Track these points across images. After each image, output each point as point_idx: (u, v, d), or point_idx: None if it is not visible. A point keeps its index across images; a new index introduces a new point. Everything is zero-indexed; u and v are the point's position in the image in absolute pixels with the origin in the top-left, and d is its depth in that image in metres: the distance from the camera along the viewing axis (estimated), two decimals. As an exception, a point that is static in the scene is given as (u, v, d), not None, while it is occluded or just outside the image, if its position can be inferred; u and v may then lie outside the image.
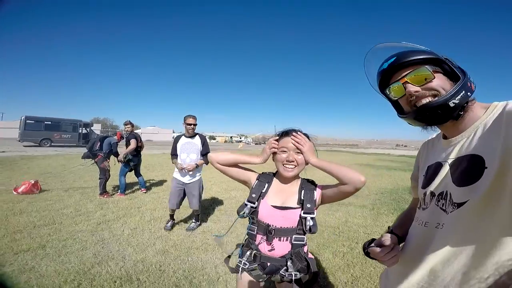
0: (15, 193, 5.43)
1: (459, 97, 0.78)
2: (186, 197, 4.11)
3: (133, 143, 5.87)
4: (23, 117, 20.89)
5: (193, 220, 4.17)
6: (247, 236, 1.37)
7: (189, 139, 3.99)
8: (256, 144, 60.84)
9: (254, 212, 1.31)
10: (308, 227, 1.25)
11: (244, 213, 1.30)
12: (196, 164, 3.94)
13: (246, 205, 1.32)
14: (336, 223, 4.46)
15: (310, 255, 1.37)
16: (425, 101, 0.82)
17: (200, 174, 4.15)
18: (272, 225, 1.27)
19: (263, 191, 1.34)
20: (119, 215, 4.52)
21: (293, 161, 1.30)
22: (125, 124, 6.10)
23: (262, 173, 1.44)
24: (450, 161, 0.85)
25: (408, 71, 0.85)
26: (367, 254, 1.03)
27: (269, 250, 1.28)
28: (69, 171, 8.39)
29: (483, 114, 0.81)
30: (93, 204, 5.10)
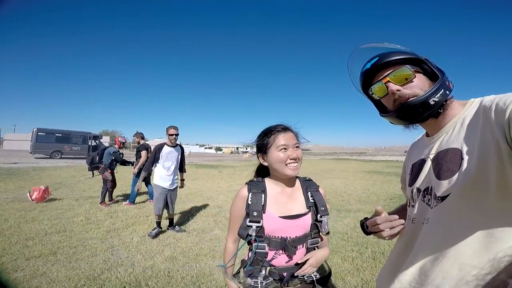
0: (30, 199, 5.55)
1: (438, 95, 0.81)
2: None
3: (143, 154, 5.91)
4: (35, 129, 21.43)
5: (174, 226, 4.40)
6: (253, 255, 1.21)
7: (172, 148, 4.22)
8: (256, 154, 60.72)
9: (260, 230, 1.16)
10: (327, 228, 1.20)
11: (251, 236, 1.15)
12: (183, 179, 4.56)
13: (250, 226, 1.15)
14: (344, 229, 4.42)
15: None
16: (406, 99, 0.85)
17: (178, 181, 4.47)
18: (288, 238, 1.17)
19: (263, 203, 1.18)
20: (128, 223, 4.57)
21: (296, 158, 1.17)
22: (135, 136, 6.17)
23: (250, 181, 1.27)
24: (431, 156, 0.87)
25: (390, 71, 0.87)
26: (365, 229, 1.04)
27: (286, 262, 1.19)
28: (77, 180, 8.52)
29: (461, 111, 0.84)
30: (102, 213, 5.17)
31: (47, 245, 3.38)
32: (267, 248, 1.17)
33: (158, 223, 4.19)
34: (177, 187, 4.40)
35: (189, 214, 5.32)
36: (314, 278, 1.23)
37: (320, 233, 1.22)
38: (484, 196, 0.70)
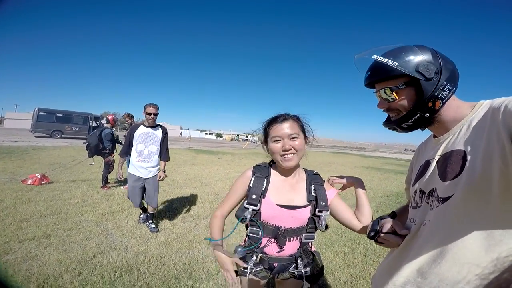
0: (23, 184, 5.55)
1: (412, 119, 0.86)
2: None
3: None
4: (36, 109, 21.39)
5: (150, 221, 3.69)
6: (247, 239, 1.26)
7: (150, 129, 3.61)
8: (262, 143, 60.93)
9: (256, 215, 1.18)
10: (324, 224, 1.19)
11: (246, 218, 1.18)
12: (164, 170, 3.72)
13: (247, 208, 1.18)
14: (338, 223, 4.39)
15: (314, 248, 1.34)
16: (390, 116, 0.93)
17: (158, 168, 3.73)
18: (282, 227, 1.18)
19: (263, 188, 1.19)
20: (124, 207, 4.57)
21: (290, 149, 1.16)
22: (124, 117, 5.99)
23: (257, 165, 1.29)
24: (436, 158, 0.88)
25: (379, 88, 0.90)
26: (372, 237, 1.01)
27: (277, 252, 1.20)
28: (76, 161, 8.49)
29: (469, 113, 0.83)
30: (99, 196, 5.17)
31: (41, 227, 3.38)
32: (260, 234, 1.18)
33: (143, 209, 3.84)
34: (156, 176, 3.66)
35: (185, 200, 5.33)
36: (304, 274, 1.22)
37: (317, 228, 1.21)
38: (487, 198, 0.70)
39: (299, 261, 1.22)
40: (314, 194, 1.22)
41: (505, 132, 0.67)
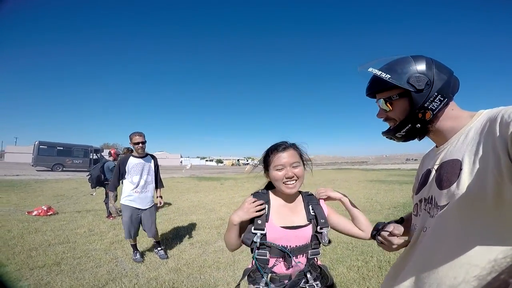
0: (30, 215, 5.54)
1: (404, 130, 0.89)
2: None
3: None
4: (36, 142, 21.57)
5: (159, 248, 3.67)
6: (255, 262, 1.28)
7: (141, 159, 3.52)
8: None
9: (262, 238, 1.24)
10: (327, 239, 1.26)
11: (255, 243, 1.22)
12: (160, 196, 3.79)
13: (255, 234, 1.22)
14: (349, 238, 4.35)
15: (320, 262, 1.38)
16: (388, 126, 0.97)
17: (153, 199, 3.69)
18: (288, 247, 1.23)
19: (266, 213, 1.26)
20: (131, 235, 4.53)
21: (293, 176, 1.23)
22: (124, 152, 5.78)
23: (255, 193, 1.35)
24: (436, 167, 0.89)
25: (377, 99, 0.95)
26: (373, 236, 1.08)
27: (286, 269, 1.25)
28: (79, 192, 8.50)
29: (468, 122, 0.84)
30: (105, 225, 5.16)
31: (51, 255, 3.37)
32: (268, 255, 1.22)
33: (134, 246, 3.58)
34: (153, 206, 3.62)
35: (191, 226, 5.29)
36: (316, 287, 1.25)
37: (321, 244, 1.27)
38: (481, 206, 0.71)
39: (308, 275, 1.26)
40: (313, 213, 1.30)
41: (501, 142, 0.68)
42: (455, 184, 0.76)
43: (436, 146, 0.96)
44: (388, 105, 0.90)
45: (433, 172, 0.90)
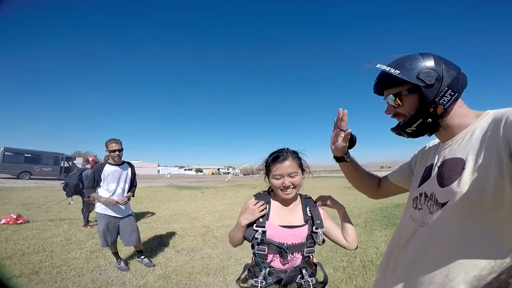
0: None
1: (415, 125, 0.89)
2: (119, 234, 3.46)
3: None
4: (1, 149, 20.11)
5: (142, 257, 3.56)
6: (255, 257, 1.37)
7: (117, 167, 3.42)
8: (244, 175, 60.57)
9: (263, 235, 1.33)
10: (321, 239, 1.37)
11: (257, 239, 1.31)
12: (127, 197, 3.47)
13: (256, 230, 1.33)
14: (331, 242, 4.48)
15: (315, 260, 1.46)
16: (397, 121, 0.97)
17: (130, 209, 3.59)
18: (285, 244, 1.32)
19: (267, 212, 1.36)
20: (112, 243, 4.33)
21: (290, 186, 1.33)
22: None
23: (257, 194, 1.45)
24: (439, 163, 0.91)
25: (386, 95, 0.95)
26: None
27: (283, 265, 1.34)
28: (53, 203, 8.01)
29: (474, 121, 0.85)
30: (83, 234, 4.90)
31: (27, 264, 3.16)
32: (266, 251, 1.32)
33: (116, 254, 3.44)
34: (131, 214, 3.51)
35: (175, 234, 5.15)
36: (311, 283, 1.34)
37: (316, 243, 1.38)
38: (480, 206, 0.72)
39: (304, 271, 1.35)
40: (310, 215, 1.41)
41: (504, 143, 0.68)
42: (456, 182, 0.77)
43: (441, 142, 0.97)
44: (398, 100, 0.90)
45: (436, 168, 0.91)
